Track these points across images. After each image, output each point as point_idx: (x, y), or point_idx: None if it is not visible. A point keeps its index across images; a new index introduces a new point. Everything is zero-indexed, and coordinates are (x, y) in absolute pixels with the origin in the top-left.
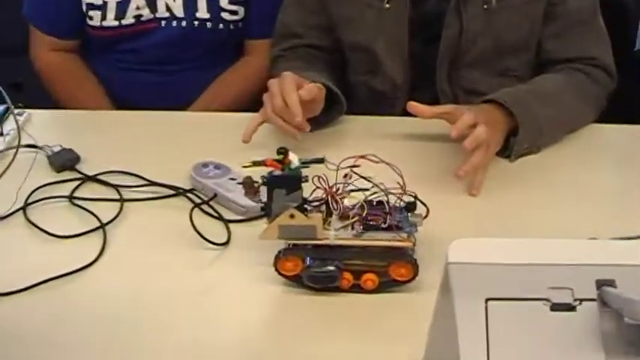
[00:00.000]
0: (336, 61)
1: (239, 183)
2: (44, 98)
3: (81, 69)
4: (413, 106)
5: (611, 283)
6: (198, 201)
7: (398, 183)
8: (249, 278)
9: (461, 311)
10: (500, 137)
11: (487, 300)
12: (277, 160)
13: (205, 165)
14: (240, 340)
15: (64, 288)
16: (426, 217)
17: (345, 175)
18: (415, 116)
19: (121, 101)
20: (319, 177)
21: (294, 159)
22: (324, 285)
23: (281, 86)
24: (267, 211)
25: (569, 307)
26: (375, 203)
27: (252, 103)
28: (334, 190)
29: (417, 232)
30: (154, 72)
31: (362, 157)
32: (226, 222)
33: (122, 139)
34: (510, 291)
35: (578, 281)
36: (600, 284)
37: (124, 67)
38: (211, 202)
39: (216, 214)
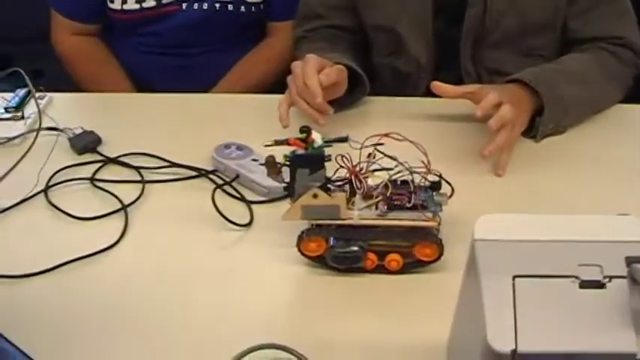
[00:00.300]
0: (359, 42)
1: (261, 164)
2: (66, 84)
3: (102, 52)
4: (437, 86)
5: None
6: (220, 182)
7: (422, 162)
8: (272, 259)
9: (488, 289)
10: (525, 117)
11: (514, 277)
12: (300, 139)
13: (227, 146)
14: (264, 320)
15: (86, 269)
16: (450, 196)
17: (369, 155)
18: (439, 96)
19: (143, 84)
20: (342, 156)
21: (317, 138)
22: (348, 265)
23: (303, 69)
24: (290, 191)
25: (599, 285)
26: (399, 182)
27: (275, 85)
28: (358, 169)
29: (442, 212)
30: (175, 55)
31: (386, 135)
32: (249, 203)
33: (143, 121)
34: (538, 268)
35: (608, 258)
36: (630, 261)
37: (145, 51)
38: (233, 183)
39: (238, 195)
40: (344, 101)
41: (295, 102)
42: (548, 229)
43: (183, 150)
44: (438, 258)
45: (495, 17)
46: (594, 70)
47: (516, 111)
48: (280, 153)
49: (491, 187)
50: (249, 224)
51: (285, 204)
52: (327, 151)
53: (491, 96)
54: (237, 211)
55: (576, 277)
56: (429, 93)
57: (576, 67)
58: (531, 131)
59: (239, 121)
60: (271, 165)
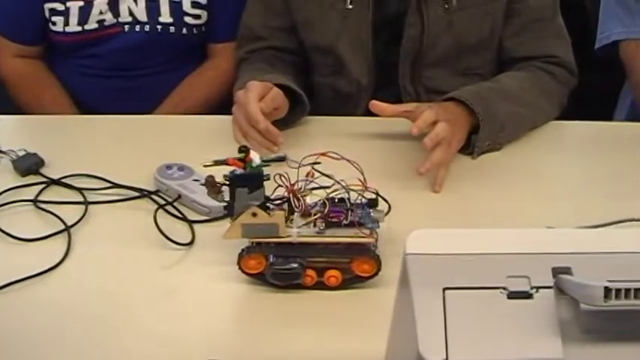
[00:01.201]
0: (300, 63)
1: (202, 184)
2: (8, 107)
3: (45, 75)
4: (375, 105)
5: (567, 271)
6: (162, 202)
7: (359, 179)
8: (213, 277)
9: (419, 302)
10: (462, 134)
11: (445, 289)
12: (239, 159)
13: (169, 167)
14: (206, 338)
15: (29, 291)
16: (387, 213)
17: (307, 174)
18: (378, 115)
19: (86, 106)
20: (281, 175)
21: (255, 157)
22: (288, 282)
23: (245, 97)
24: (230, 211)
25: (526, 295)
26: (336, 200)
27: (218, 106)
28: (296, 187)
29: (379, 228)
30: (118, 77)
31: (323, 154)
32: (190, 222)
33: (86, 143)
34: (468, 280)
35: (535, 269)
36: (556, 272)
37: (87, 73)
38: (175, 203)
39: (180, 215)
40: (285, 121)
41: (246, 133)
42: (478, 242)
43: (125, 171)
44: (376, 273)
45: (432, 38)
46: (530, 88)
47: (452, 129)
48: (220, 173)
49: (427, 202)
50: (190, 243)
51: (226, 223)
52: (266, 170)
53: (426, 114)
54: (179, 230)
55: (504, 289)
56: (370, 112)
57: (512, 85)
58: (468, 148)
59: (180, 141)
60: (211, 185)
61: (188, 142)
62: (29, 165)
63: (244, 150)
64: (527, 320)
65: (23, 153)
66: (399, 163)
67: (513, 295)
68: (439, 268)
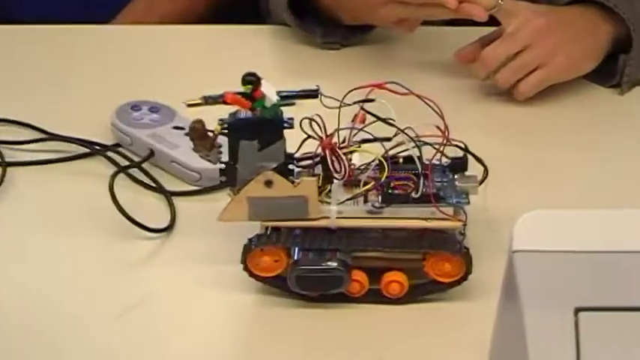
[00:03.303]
0: None
1: (187, 134)
2: None
3: None
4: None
5: None
6: (124, 163)
7: (437, 128)
8: (203, 281)
9: (535, 328)
10: (581, 49)
11: (577, 310)
12: (243, 95)
13: (136, 107)
14: None
15: None
16: (483, 180)
17: (354, 118)
18: (462, 24)
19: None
20: (311, 119)
21: (269, 92)
22: (323, 291)
23: None
24: (230, 177)
25: None
26: (401, 161)
27: (211, 13)
28: (335, 140)
29: (469, 206)
30: None
31: (379, 86)
32: (168, 195)
33: (3, 67)
34: (612, 296)
35: None
36: None
37: None
38: (145, 165)
39: (152, 184)
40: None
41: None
42: (623, 232)
43: (66, 114)
44: (464, 278)
45: None
46: None
47: (555, 36)
48: (214, 117)
49: (535, 166)
50: (168, 228)
51: (224, 196)
52: (287, 112)
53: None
54: (150, 208)
55: None
56: (449, 21)
57: None
58: (610, 77)
59: (153, 66)
60: (200, 135)
61: (165, 66)
62: None
63: (252, 80)
64: None
65: None
66: (500, 104)
67: None
68: (568, 275)
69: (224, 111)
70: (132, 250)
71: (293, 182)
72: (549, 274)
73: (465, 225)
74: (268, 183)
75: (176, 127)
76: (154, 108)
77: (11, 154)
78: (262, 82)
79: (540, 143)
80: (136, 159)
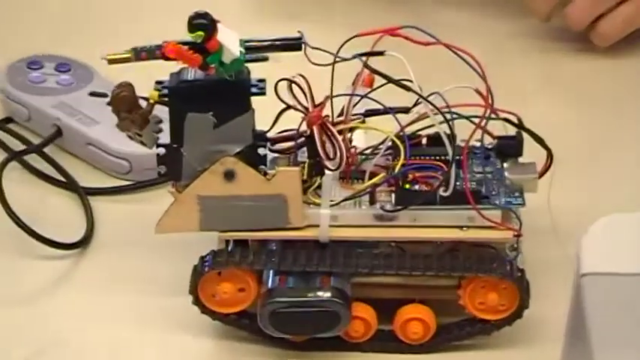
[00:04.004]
0: None
1: (109, 103)
2: None
3: None
4: None
5: None
6: (19, 147)
7: (478, 93)
8: (134, 321)
9: None
10: None
11: None
12: (191, 45)
13: (35, 64)
14: None
15: None
16: (546, 170)
17: (356, 79)
18: None
19: None
20: (292, 82)
21: (229, 41)
22: (311, 334)
23: None
24: (173, 166)
25: None
26: (424, 142)
27: None
28: (328, 113)
29: (525, 208)
30: None
31: (391, 32)
32: (84, 194)
33: None
34: None
35: None
36: None
37: None
38: (50, 149)
39: (61, 178)
40: None
41: None
42: None
43: None
44: (517, 314)
45: None
46: None
47: None
48: (149, 77)
49: (619, 149)
50: (83, 243)
51: (164, 196)
52: (256, 71)
53: None
54: (57, 212)
55: None
56: None
57: None
58: None
59: (62, 5)
60: (128, 106)
61: (77, 6)
62: None
63: (204, 25)
64: None
65: None
66: (570, 57)
67: None
68: None
69: (163, 70)
70: (31, 276)
71: (265, 174)
72: (634, 308)
73: (519, 237)
74: (229, 175)
75: (94, 94)
76: (63, 66)
77: None
78: (219, 26)
79: (626, 116)
80: (36, 141)
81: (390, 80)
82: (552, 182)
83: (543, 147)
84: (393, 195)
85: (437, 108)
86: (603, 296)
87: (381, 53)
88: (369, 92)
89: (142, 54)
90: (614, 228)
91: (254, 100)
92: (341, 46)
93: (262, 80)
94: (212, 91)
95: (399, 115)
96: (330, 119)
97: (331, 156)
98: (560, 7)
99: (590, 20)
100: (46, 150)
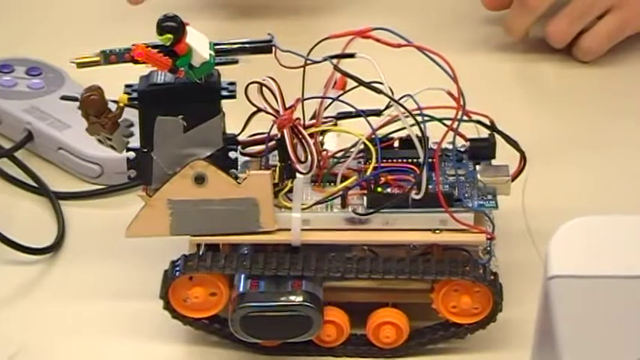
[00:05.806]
0: None
1: (80, 107)
2: None
3: None
4: None
5: None
6: None
7: (450, 95)
8: (104, 326)
9: None
10: None
11: None
12: (160, 49)
13: (6, 67)
14: None
15: None
16: (519, 173)
17: (327, 82)
18: None
19: None
20: (262, 85)
21: (199, 44)
22: (283, 339)
23: None
24: (143, 170)
25: None
26: (396, 144)
27: None
28: (299, 116)
29: (498, 210)
30: None
31: (363, 34)
32: (54, 198)
33: None
34: None
35: None
36: None
37: None
38: (19, 153)
39: (32, 182)
40: None
41: None
42: None
43: None
44: (490, 317)
45: None
46: None
47: None
48: (118, 80)
49: (593, 152)
50: (54, 248)
51: (134, 200)
52: (227, 74)
53: None
54: (27, 217)
55: None
56: None
57: None
58: None
59: (33, 8)
60: (97, 109)
61: (49, 10)
62: None
63: (172, 26)
64: None
65: None
66: (543, 62)
67: None
68: (627, 311)
69: (132, 74)
70: (1, 281)
71: (236, 178)
72: (600, 310)
73: (492, 239)
74: (199, 179)
75: (65, 98)
76: (34, 69)
77: None
78: (188, 29)
79: (599, 118)
80: (7, 145)
81: (360, 83)
82: (526, 184)
83: (516, 149)
84: (365, 198)
85: (408, 110)
86: (570, 299)
87: (351, 55)
88: (341, 95)
89: (111, 57)
90: (582, 231)
91: (224, 103)
92: (312, 49)
93: (232, 83)
94: (182, 94)
95: (371, 118)
96: (302, 122)
97: (302, 159)
98: (535, 27)
99: (571, 38)
100: (16, 154)
